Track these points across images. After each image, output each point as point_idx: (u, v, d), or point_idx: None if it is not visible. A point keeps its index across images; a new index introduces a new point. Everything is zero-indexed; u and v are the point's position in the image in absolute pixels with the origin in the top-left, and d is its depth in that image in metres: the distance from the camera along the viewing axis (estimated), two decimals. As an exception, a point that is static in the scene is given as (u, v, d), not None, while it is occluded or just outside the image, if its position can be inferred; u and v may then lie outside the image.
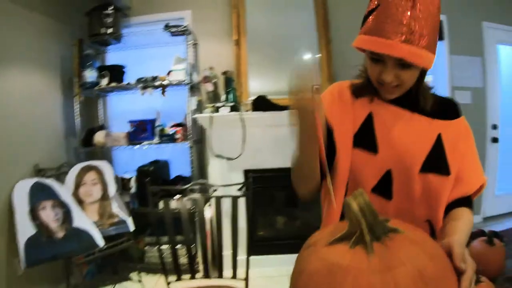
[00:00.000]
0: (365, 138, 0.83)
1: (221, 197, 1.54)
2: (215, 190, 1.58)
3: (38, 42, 2.35)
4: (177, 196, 2.07)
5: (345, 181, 0.83)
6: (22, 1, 2.19)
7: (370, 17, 0.73)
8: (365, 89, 0.86)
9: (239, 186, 1.77)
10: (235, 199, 1.52)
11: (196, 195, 1.57)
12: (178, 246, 2.32)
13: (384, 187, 0.81)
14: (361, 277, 0.47)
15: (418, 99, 0.81)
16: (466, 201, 0.80)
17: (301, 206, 2.64)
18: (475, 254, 2.33)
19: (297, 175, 0.83)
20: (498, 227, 3.12)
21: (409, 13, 0.68)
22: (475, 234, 2.71)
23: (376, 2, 0.72)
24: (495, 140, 3.19)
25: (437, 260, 0.51)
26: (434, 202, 0.78)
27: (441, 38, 2.90)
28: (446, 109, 0.84)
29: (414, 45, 0.68)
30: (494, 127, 3.19)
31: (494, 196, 3.31)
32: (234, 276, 1.52)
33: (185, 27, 2.43)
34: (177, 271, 1.51)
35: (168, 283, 1.50)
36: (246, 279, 1.50)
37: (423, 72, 0.78)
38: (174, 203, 2.36)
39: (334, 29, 2.63)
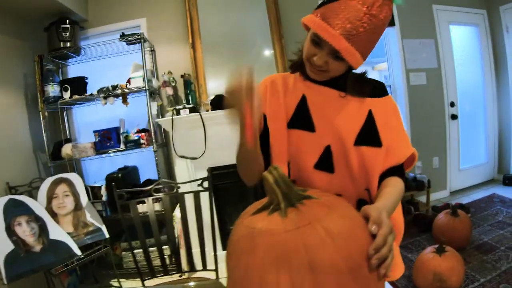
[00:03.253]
0: (301, 119, 0.90)
1: (184, 193, 1.62)
2: (178, 188, 1.65)
3: (1, 61, 2.39)
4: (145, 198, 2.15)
5: (285, 161, 0.91)
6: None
7: (329, 4, 0.79)
8: (299, 65, 0.94)
9: (200, 182, 1.84)
10: (196, 194, 1.61)
11: (161, 195, 1.66)
12: (153, 248, 2.42)
13: (325, 162, 0.89)
14: (274, 236, 0.55)
15: (346, 84, 0.89)
16: (398, 171, 0.88)
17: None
18: (440, 226, 2.43)
19: (242, 166, 0.90)
20: (465, 199, 3.26)
21: (361, 17, 0.74)
22: (442, 208, 2.82)
23: None
24: (454, 117, 3.32)
25: (347, 220, 0.58)
26: (370, 172, 0.86)
27: (392, 24, 3.01)
28: (375, 89, 0.91)
29: (351, 44, 0.75)
30: (452, 104, 3.32)
31: (459, 171, 3.45)
32: (204, 268, 1.62)
33: (139, 35, 2.49)
34: (152, 271, 1.60)
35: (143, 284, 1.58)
36: (216, 270, 1.59)
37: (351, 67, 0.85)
38: (142, 206, 2.46)
39: (285, 25, 2.71)
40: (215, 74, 2.67)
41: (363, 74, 0.93)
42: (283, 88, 0.95)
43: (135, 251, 1.73)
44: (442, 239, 1.97)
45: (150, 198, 1.64)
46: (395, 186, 0.83)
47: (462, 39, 3.50)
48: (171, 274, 1.64)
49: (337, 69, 0.84)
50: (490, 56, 3.55)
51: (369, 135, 0.86)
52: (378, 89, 0.92)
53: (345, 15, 0.75)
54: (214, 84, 2.66)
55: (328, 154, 0.89)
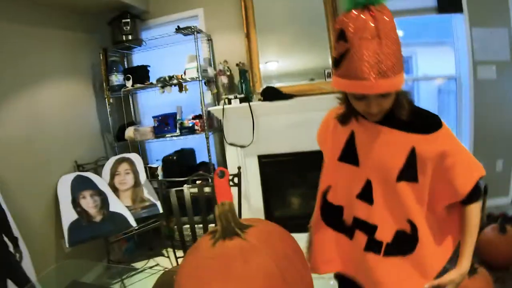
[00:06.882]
0: (349, 153, 1.00)
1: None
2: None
3: (71, 54, 2.70)
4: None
5: (322, 189, 1.12)
6: (56, 24, 2.55)
7: (342, 61, 0.80)
8: (348, 116, 1.01)
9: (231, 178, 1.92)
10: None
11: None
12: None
13: (366, 194, 0.97)
14: (201, 256, 0.76)
15: (394, 113, 0.90)
16: (468, 199, 0.91)
17: (314, 188, 2.76)
18: (483, 243, 2.17)
19: None
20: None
21: (378, 52, 0.75)
22: (498, 217, 2.54)
23: (345, 46, 0.79)
24: (526, 114, 3.00)
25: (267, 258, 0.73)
26: (406, 204, 0.92)
27: (460, 10, 2.77)
28: (423, 123, 0.90)
29: (388, 78, 0.76)
30: (525, 101, 3.00)
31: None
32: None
33: (193, 28, 2.56)
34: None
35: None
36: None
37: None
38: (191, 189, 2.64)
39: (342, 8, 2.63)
40: (270, 60, 2.72)
41: (411, 104, 0.92)
42: (334, 126, 1.06)
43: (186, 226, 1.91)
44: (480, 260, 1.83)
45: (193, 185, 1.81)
46: (470, 221, 0.92)
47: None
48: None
49: (390, 102, 0.87)
50: None
51: (409, 171, 0.90)
52: (427, 125, 0.90)
53: (364, 58, 0.76)
54: (271, 70, 2.72)
55: (368, 187, 0.96)
